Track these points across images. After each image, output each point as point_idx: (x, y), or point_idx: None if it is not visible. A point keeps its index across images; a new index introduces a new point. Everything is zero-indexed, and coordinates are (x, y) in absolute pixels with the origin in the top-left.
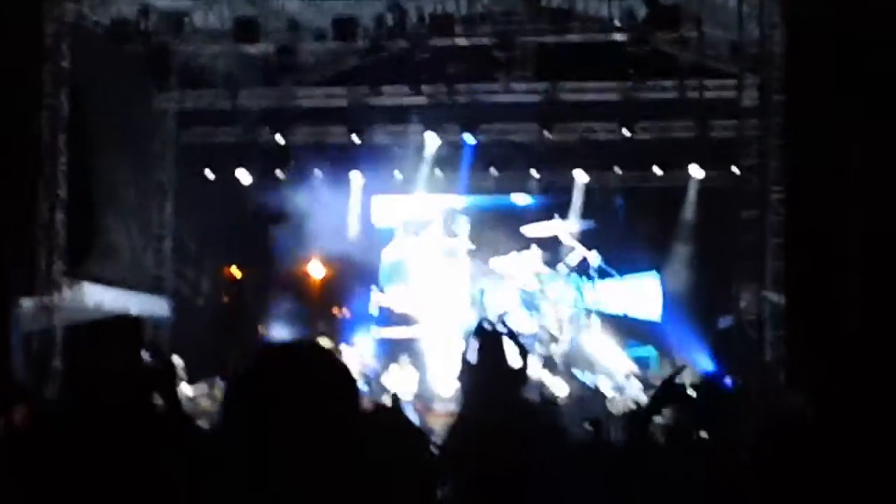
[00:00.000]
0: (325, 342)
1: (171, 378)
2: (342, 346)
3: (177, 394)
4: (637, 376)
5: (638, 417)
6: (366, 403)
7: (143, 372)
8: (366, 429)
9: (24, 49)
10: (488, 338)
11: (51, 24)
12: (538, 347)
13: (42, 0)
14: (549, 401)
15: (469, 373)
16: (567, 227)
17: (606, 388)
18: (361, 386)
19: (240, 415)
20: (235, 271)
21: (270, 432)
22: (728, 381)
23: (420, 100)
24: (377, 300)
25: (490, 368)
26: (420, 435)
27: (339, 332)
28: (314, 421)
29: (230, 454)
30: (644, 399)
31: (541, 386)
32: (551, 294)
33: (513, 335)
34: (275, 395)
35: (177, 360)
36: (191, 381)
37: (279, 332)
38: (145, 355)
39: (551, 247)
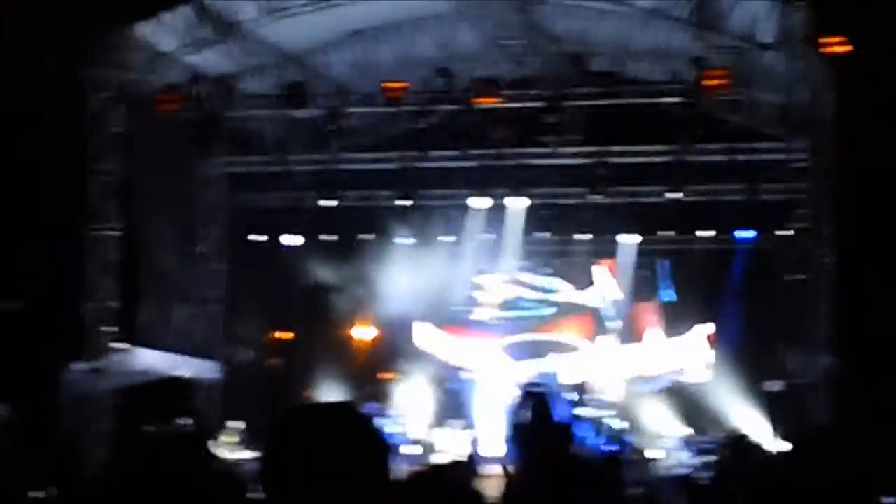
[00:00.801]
0: (372, 406)
1: (200, 442)
2: (390, 411)
3: (205, 458)
4: (686, 440)
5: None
6: (419, 466)
7: (172, 437)
8: (400, 492)
9: (76, 115)
10: (537, 398)
11: (101, 91)
12: (584, 410)
13: (94, 66)
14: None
15: (520, 432)
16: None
17: (654, 452)
18: (414, 448)
19: (273, 474)
20: (284, 335)
21: (302, 493)
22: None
23: (468, 163)
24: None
25: (540, 427)
26: (477, 496)
27: (387, 395)
28: (342, 483)
29: None
30: (691, 462)
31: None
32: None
33: (560, 397)
34: (303, 456)
35: (235, 424)
36: (248, 446)
37: (326, 395)
38: (181, 420)
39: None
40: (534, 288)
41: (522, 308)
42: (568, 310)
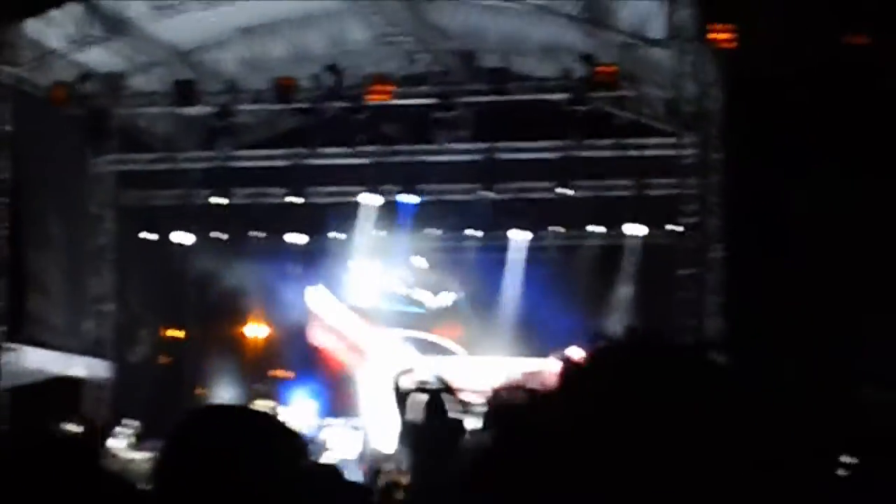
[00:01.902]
0: (263, 403)
1: (91, 442)
2: (280, 408)
3: (95, 459)
4: None
5: None
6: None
7: (62, 437)
8: (305, 491)
9: None
10: (430, 395)
11: None
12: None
13: None
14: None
15: (414, 431)
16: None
17: None
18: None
19: (172, 478)
20: (176, 333)
21: (202, 497)
22: None
23: (359, 160)
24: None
25: (436, 425)
26: (365, 494)
27: (278, 392)
28: (249, 484)
29: None
30: None
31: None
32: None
33: (450, 391)
34: (205, 459)
35: (130, 422)
36: (137, 444)
37: (218, 393)
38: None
39: None
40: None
41: (404, 304)
42: (440, 313)
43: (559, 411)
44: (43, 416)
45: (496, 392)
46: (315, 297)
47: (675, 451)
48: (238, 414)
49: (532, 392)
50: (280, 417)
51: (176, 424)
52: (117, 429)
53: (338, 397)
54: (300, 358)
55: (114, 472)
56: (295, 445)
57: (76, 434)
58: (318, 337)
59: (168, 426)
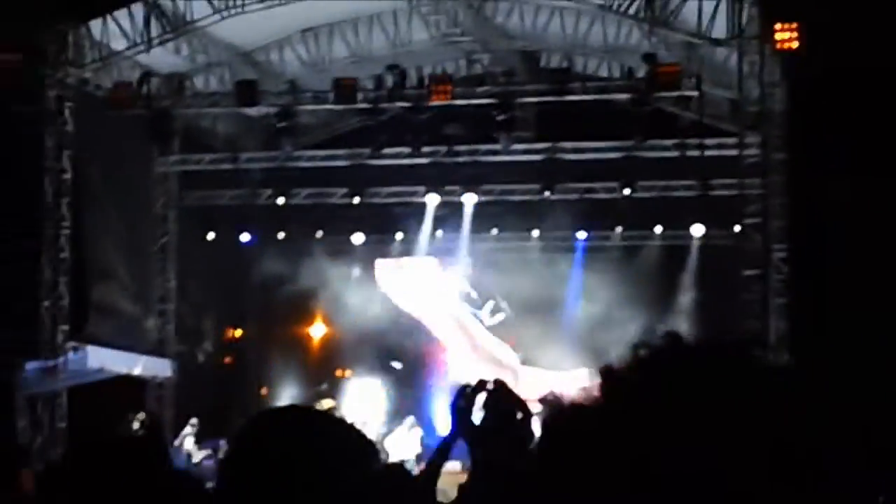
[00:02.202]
0: (326, 403)
1: (155, 443)
2: (345, 409)
3: (163, 458)
4: None
5: None
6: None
7: (129, 437)
8: (374, 492)
9: (26, 114)
10: (491, 394)
11: (53, 89)
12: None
13: (44, 65)
14: None
15: (475, 429)
16: None
17: None
18: None
19: (236, 480)
20: (237, 332)
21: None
22: None
23: (420, 160)
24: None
25: (497, 424)
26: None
27: (341, 392)
28: (316, 487)
29: None
30: None
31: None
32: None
33: (511, 392)
34: (269, 461)
35: (193, 420)
36: (198, 443)
37: (280, 392)
38: (136, 420)
39: None
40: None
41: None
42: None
43: (602, 419)
44: (104, 415)
45: (542, 401)
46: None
47: (718, 452)
48: (306, 416)
49: (576, 401)
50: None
51: (242, 426)
52: (183, 427)
53: (398, 397)
54: (362, 358)
55: (181, 471)
56: (364, 448)
57: (143, 433)
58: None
59: (230, 426)
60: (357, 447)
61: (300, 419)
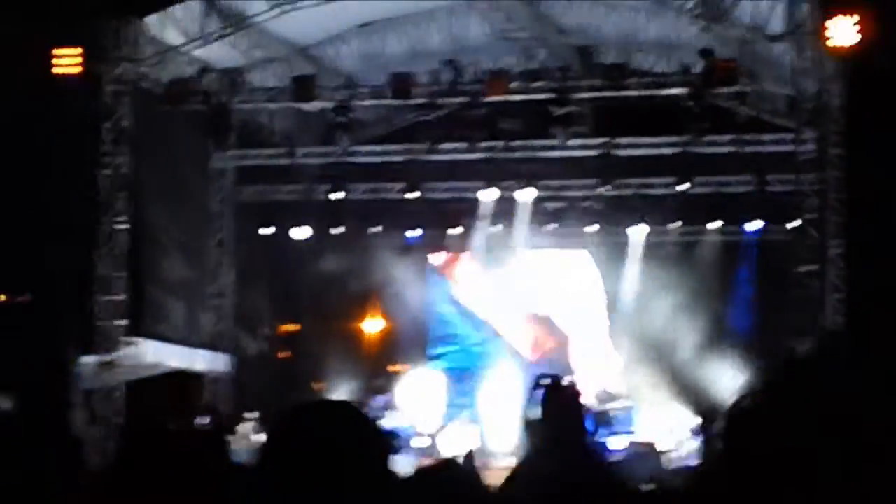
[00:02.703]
0: (381, 399)
1: (220, 439)
2: (401, 404)
3: (225, 454)
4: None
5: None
6: (427, 461)
7: (193, 432)
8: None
9: (84, 109)
10: (550, 391)
11: (110, 85)
12: (596, 405)
13: (101, 61)
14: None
15: (533, 425)
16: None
17: (664, 444)
18: (423, 442)
19: (272, 471)
20: (294, 327)
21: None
22: None
23: (477, 155)
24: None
25: (554, 420)
26: (483, 490)
27: (396, 387)
28: (341, 481)
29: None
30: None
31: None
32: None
33: (569, 390)
34: (302, 455)
35: (250, 415)
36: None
37: (337, 387)
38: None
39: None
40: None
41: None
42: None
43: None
44: (161, 409)
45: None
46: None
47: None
48: (331, 411)
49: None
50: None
51: (280, 416)
52: (240, 421)
53: (455, 392)
54: (418, 353)
55: (244, 464)
56: (381, 445)
57: (208, 427)
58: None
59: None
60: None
61: (323, 414)
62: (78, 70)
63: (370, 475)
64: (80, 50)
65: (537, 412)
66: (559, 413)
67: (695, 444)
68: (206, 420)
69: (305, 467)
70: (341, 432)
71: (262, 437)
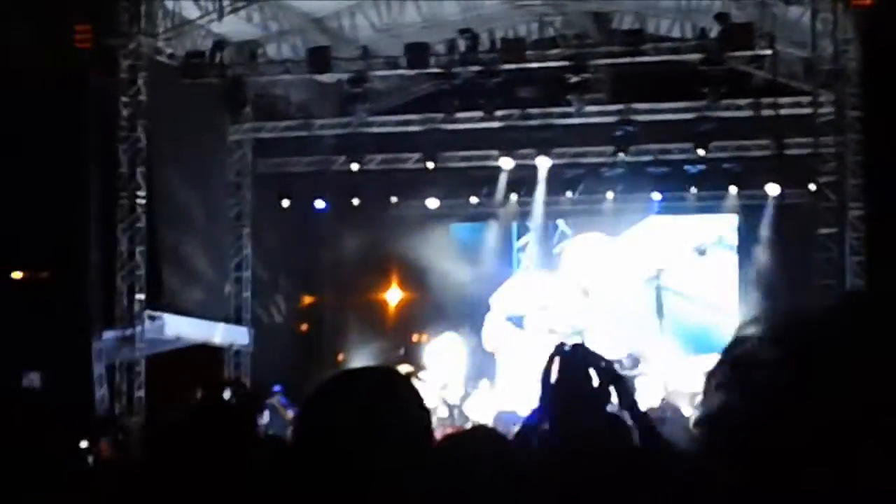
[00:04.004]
0: (404, 369)
1: (246, 412)
2: (422, 374)
3: (253, 427)
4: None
5: None
6: (448, 430)
7: (219, 406)
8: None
9: (100, 83)
10: (568, 358)
11: (126, 59)
12: (619, 370)
13: (117, 35)
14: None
15: (549, 393)
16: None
17: (688, 411)
18: (443, 412)
19: (309, 440)
20: (313, 299)
21: (339, 458)
22: None
23: (493, 124)
24: None
25: (571, 388)
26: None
27: (419, 357)
28: (384, 447)
29: (301, 474)
30: None
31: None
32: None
33: (593, 356)
34: (341, 421)
35: (278, 388)
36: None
37: (358, 358)
38: (227, 388)
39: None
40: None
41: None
42: None
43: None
44: (182, 383)
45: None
46: None
47: None
48: (375, 377)
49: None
50: (420, 382)
51: (316, 386)
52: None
53: (476, 360)
54: (439, 322)
55: (271, 437)
56: (424, 412)
57: (235, 400)
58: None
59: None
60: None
61: (369, 380)
62: (88, 45)
63: (413, 444)
64: (89, 26)
65: (557, 377)
66: (578, 379)
67: None
68: (236, 394)
69: (346, 437)
70: (385, 399)
71: (292, 410)
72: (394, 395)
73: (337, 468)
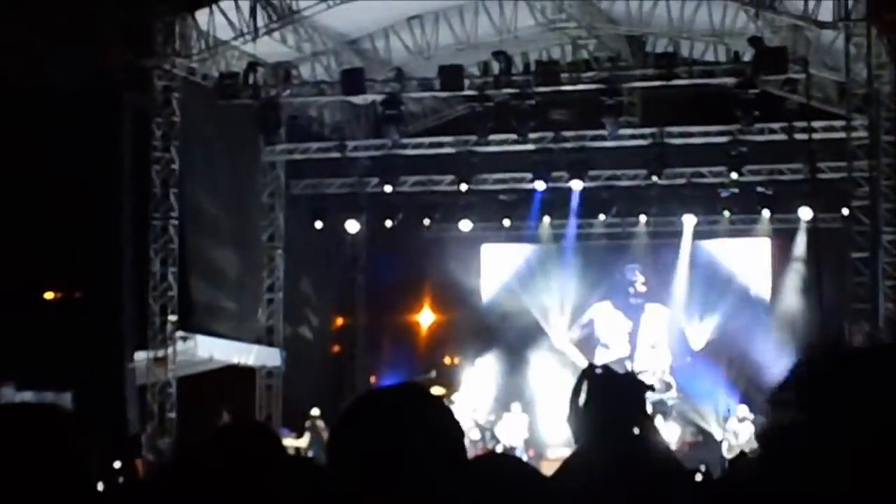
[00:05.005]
0: (436, 391)
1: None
2: (454, 396)
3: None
4: (752, 421)
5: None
6: (481, 450)
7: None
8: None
9: (135, 104)
10: (598, 381)
11: (160, 79)
12: (652, 394)
13: (151, 55)
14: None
15: (578, 416)
16: None
17: (719, 433)
18: (475, 434)
19: (343, 459)
20: (346, 321)
21: (372, 478)
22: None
23: (527, 147)
24: None
25: (600, 411)
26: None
27: (451, 379)
28: (417, 466)
29: (335, 494)
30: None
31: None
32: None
33: (623, 379)
34: (375, 439)
35: (315, 411)
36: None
37: (391, 380)
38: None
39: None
40: None
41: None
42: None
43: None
44: (214, 404)
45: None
46: None
47: None
48: (410, 395)
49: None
50: (453, 405)
51: (350, 402)
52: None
53: (507, 383)
54: (471, 345)
55: (300, 457)
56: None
57: (262, 421)
58: None
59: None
60: (453, 433)
61: (402, 398)
62: (120, 65)
63: (447, 464)
64: (120, 46)
65: (585, 401)
66: (610, 402)
67: (748, 434)
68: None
69: (379, 457)
70: (417, 418)
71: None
72: (425, 413)
73: (371, 488)
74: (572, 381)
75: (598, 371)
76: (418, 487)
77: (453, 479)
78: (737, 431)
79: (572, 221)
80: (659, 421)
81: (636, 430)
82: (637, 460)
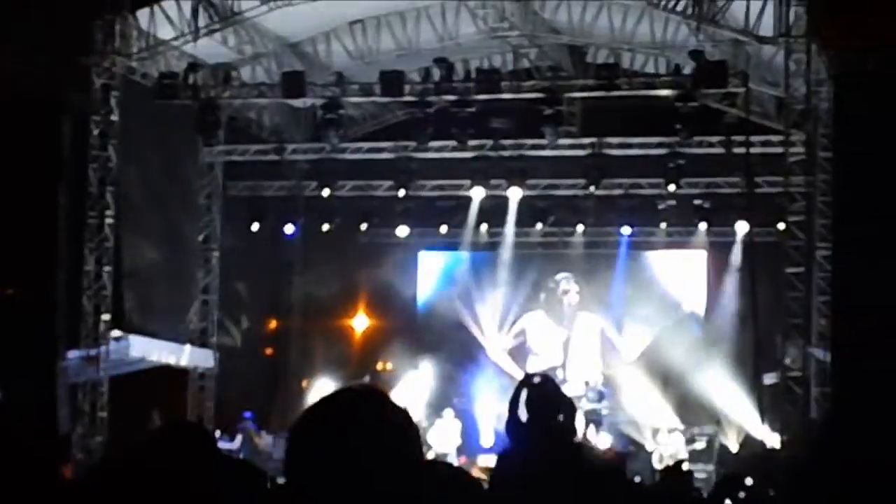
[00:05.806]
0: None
1: (207, 435)
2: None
3: (214, 450)
4: (681, 431)
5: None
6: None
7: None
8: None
9: (72, 102)
10: (535, 390)
11: (99, 78)
12: (584, 403)
13: (91, 54)
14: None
15: (516, 424)
16: None
17: (650, 444)
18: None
19: (304, 463)
20: (279, 323)
21: (338, 481)
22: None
23: (466, 154)
24: None
25: (537, 421)
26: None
27: (384, 385)
28: (382, 468)
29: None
30: (684, 452)
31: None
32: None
33: (557, 389)
34: (340, 442)
35: (248, 415)
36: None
37: (323, 384)
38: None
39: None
40: None
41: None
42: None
43: None
44: (145, 404)
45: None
46: None
47: None
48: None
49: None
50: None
51: (309, 406)
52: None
53: (439, 389)
54: (404, 350)
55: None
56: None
57: (194, 422)
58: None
59: (270, 416)
60: (412, 434)
61: (359, 401)
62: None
63: (408, 464)
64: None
65: (523, 410)
66: (546, 412)
67: (679, 445)
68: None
69: (341, 462)
70: (374, 422)
71: (265, 436)
72: (385, 415)
73: (332, 491)
74: (508, 390)
75: (537, 380)
76: (380, 489)
77: (414, 481)
78: (667, 443)
79: (509, 229)
80: (591, 431)
81: (576, 438)
82: (579, 465)
